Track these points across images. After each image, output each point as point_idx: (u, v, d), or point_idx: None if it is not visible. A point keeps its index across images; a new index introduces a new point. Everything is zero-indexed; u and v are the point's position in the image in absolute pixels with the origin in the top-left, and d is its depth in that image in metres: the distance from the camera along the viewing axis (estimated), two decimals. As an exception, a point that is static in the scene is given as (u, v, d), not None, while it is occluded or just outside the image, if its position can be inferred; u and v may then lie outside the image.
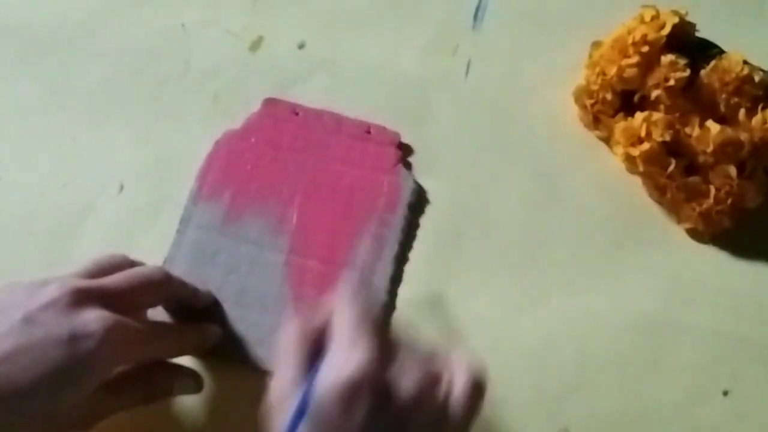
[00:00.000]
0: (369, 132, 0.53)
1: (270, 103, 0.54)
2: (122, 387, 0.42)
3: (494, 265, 0.50)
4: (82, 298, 0.39)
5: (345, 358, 0.35)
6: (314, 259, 0.49)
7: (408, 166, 0.53)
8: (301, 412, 0.35)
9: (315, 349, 0.37)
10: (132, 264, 0.44)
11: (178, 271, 0.48)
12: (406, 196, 0.51)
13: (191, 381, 0.44)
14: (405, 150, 0.53)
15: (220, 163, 0.52)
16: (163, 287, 0.44)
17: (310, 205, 0.51)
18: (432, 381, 0.36)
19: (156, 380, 0.43)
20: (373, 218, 0.50)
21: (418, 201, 0.52)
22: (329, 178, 0.52)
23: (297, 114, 0.54)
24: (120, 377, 0.41)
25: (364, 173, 0.52)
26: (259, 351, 0.47)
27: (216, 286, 0.48)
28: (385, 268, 0.49)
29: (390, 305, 0.49)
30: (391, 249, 0.50)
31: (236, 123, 0.54)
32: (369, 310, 0.39)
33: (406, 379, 0.36)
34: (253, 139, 0.53)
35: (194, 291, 0.47)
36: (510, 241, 0.51)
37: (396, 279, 0.50)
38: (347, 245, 0.50)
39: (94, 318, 0.39)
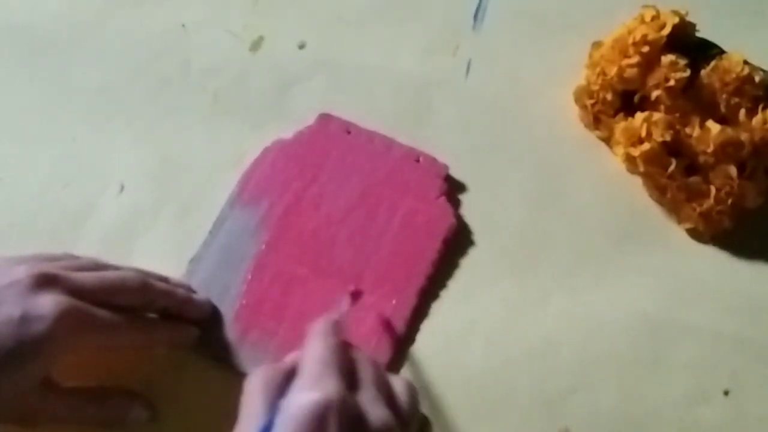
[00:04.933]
0: (418, 161, 0.52)
1: (324, 118, 0.53)
2: (70, 394, 0.40)
3: (494, 265, 0.50)
4: (45, 282, 0.39)
5: (309, 390, 0.34)
6: (336, 278, 0.48)
7: (452, 200, 0.51)
8: None
9: (281, 393, 0.35)
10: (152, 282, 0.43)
11: (203, 271, 0.48)
12: (443, 230, 0.50)
13: (145, 412, 0.43)
14: (453, 184, 0.52)
15: (264, 171, 0.52)
16: (137, 294, 0.42)
17: (344, 225, 0.50)
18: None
19: (109, 404, 0.42)
20: (406, 248, 0.49)
21: (457, 238, 0.50)
22: (369, 201, 0.51)
23: (349, 133, 0.53)
24: (73, 388, 0.40)
25: (405, 201, 0.51)
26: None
27: (236, 292, 0.48)
28: (409, 300, 0.48)
29: (409, 338, 0.48)
30: (417, 282, 0.49)
31: (236, 123, 0.54)
32: (340, 344, 0.38)
33: (374, 411, 0.35)
34: (300, 153, 0.52)
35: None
36: (510, 240, 0.51)
37: (419, 312, 0.48)
38: (375, 270, 0.49)
39: (48, 301, 0.38)
